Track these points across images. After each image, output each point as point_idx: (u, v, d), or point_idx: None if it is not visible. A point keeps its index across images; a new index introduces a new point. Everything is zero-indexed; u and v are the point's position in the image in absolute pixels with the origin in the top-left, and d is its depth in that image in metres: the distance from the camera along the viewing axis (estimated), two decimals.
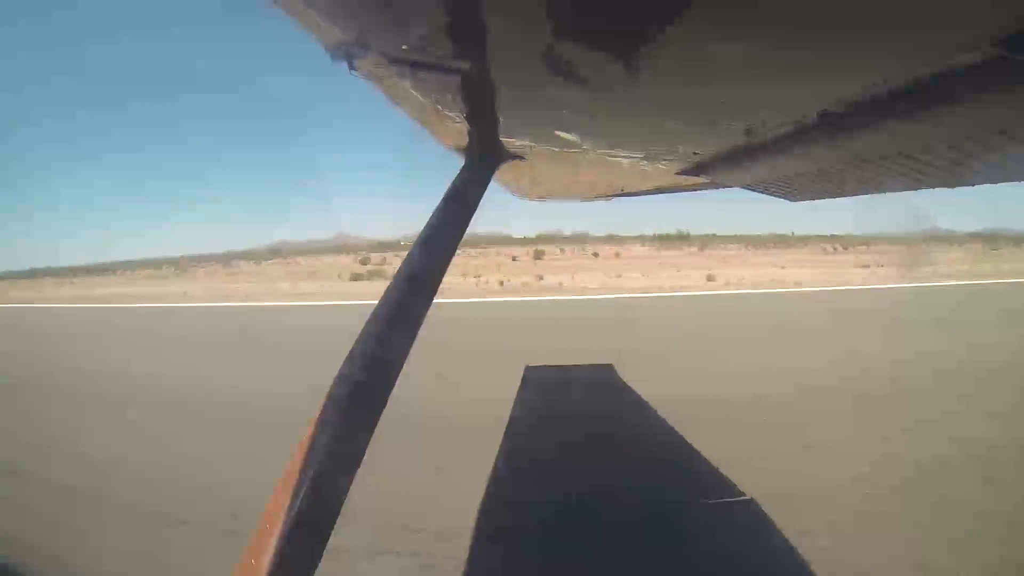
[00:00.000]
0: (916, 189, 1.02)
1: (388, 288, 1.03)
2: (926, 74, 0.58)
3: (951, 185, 0.93)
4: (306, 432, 0.86)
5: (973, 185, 0.92)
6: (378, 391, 0.89)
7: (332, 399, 0.88)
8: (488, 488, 3.42)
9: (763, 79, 0.69)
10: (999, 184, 0.89)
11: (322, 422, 0.84)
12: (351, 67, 0.75)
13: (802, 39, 0.54)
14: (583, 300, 12.61)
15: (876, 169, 0.94)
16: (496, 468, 3.64)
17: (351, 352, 0.95)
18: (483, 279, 17.67)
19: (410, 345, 0.97)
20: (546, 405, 5.13)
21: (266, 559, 0.71)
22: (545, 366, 6.15)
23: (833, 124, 0.78)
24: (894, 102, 0.66)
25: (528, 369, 5.93)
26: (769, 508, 3.02)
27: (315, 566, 0.75)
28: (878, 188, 1.10)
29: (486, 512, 3.17)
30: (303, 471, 0.78)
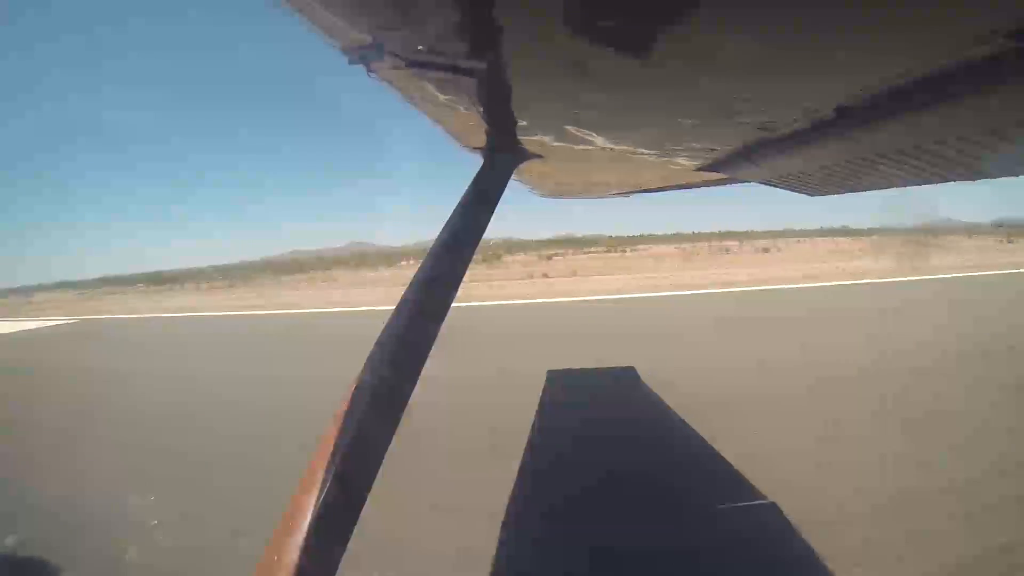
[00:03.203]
0: (936, 182, 1.01)
1: (410, 286, 1.05)
2: (943, 67, 0.58)
3: (972, 178, 0.92)
4: (328, 429, 0.88)
5: (994, 178, 0.90)
6: (401, 388, 0.91)
7: (355, 397, 0.90)
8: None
9: (779, 74, 0.69)
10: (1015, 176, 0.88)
11: (345, 419, 0.86)
12: (369, 70, 0.76)
13: (818, 33, 0.54)
14: None
15: (895, 163, 0.93)
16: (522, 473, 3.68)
17: (373, 349, 0.97)
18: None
19: (432, 342, 0.98)
20: (569, 408, 5.13)
21: (290, 555, 0.73)
22: (567, 369, 6.15)
23: (850, 118, 0.78)
24: (912, 95, 0.65)
25: (550, 372, 5.94)
26: None
27: (338, 562, 0.77)
28: (898, 182, 1.09)
29: None
30: (327, 469, 0.80)
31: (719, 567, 2.63)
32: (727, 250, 23.93)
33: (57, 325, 16.41)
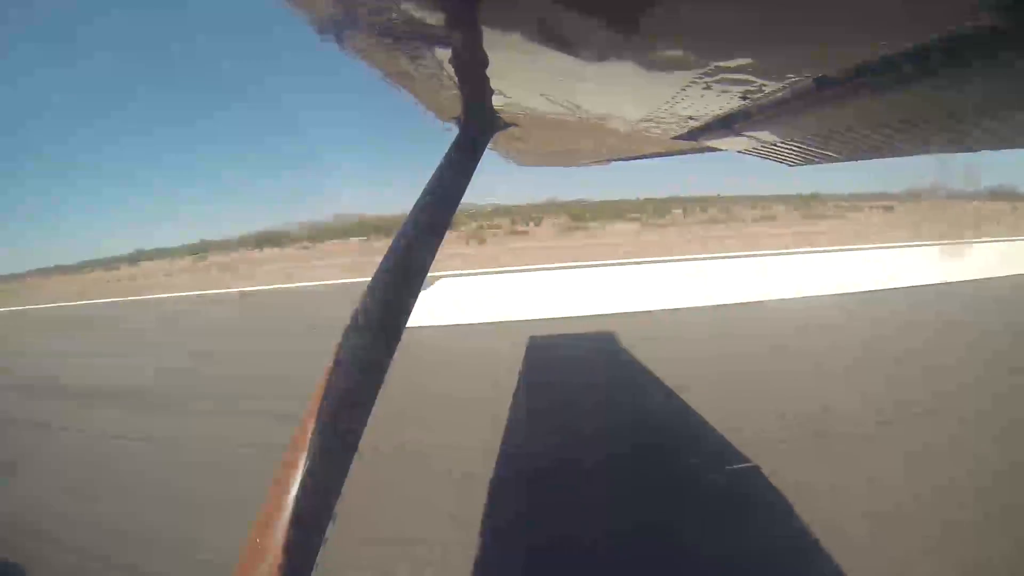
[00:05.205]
0: (916, 154, 1.01)
1: (384, 259, 1.02)
2: (925, 40, 0.57)
3: (953, 151, 0.92)
4: (312, 398, 0.86)
5: (974, 151, 0.90)
6: (380, 360, 0.89)
7: (334, 370, 0.88)
8: None
9: (760, 42, 0.67)
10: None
11: (325, 391, 0.84)
12: (340, 42, 0.73)
13: (801, 2, 0.53)
14: None
15: (875, 134, 0.92)
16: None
17: (350, 322, 0.95)
18: None
19: (409, 313, 0.97)
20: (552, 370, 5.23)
21: (266, 557, 0.71)
22: (548, 335, 6.26)
23: (830, 89, 0.77)
24: (893, 67, 0.64)
25: (532, 339, 6.05)
26: None
27: (314, 561, 0.76)
28: (877, 153, 1.09)
29: None
30: (300, 464, 0.78)
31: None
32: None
33: None
